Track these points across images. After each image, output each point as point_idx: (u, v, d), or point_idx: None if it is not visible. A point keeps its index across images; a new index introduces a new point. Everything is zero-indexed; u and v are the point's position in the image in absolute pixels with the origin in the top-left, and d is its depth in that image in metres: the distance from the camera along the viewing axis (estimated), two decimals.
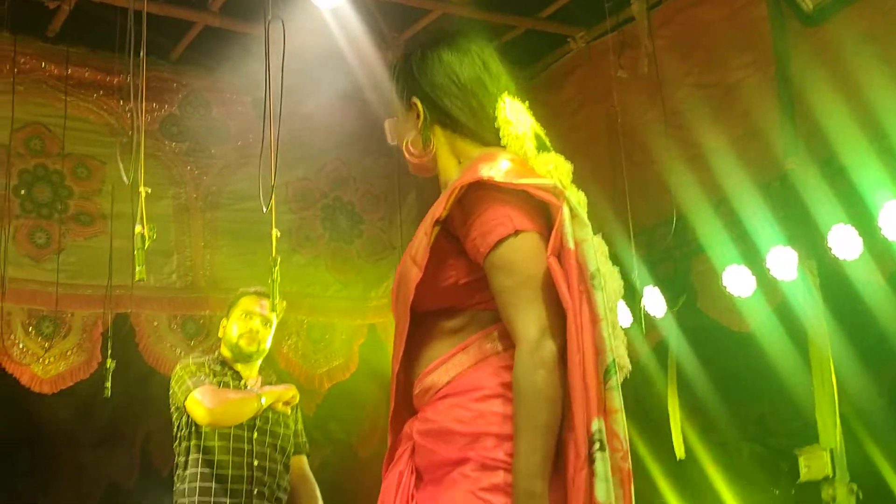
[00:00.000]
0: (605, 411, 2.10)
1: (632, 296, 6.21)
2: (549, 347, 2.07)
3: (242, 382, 4.33)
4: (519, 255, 2.13)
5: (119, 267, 6.26)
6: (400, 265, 2.30)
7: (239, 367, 4.40)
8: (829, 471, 5.81)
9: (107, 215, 6.54)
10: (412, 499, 2.19)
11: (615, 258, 6.54)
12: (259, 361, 4.47)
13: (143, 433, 8.86)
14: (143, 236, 3.66)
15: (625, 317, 6.36)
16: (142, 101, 4.37)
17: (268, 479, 4.24)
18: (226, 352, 4.42)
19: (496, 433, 2.09)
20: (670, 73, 6.20)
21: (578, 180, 6.85)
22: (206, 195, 6.98)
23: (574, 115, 6.93)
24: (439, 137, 2.36)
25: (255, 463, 4.21)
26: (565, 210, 2.16)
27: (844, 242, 5.35)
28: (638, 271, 5.99)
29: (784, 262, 5.55)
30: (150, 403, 7.83)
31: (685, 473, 6.98)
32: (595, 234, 2.27)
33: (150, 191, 3.93)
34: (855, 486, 5.82)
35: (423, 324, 2.28)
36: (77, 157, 6.62)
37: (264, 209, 4.20)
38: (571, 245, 2.14)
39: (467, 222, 2.18)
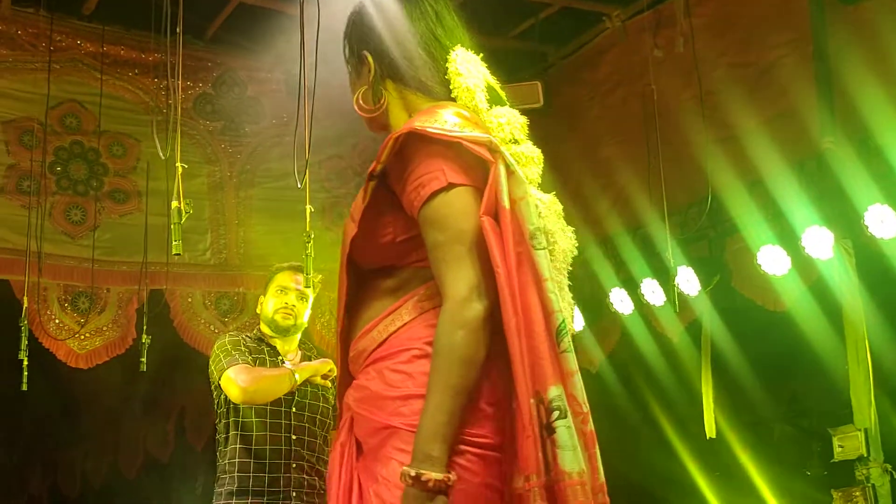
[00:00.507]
0: (565, 374, 2.03)
1: (665, 275, 6.20)
2: (476, 307, 2.00)
3: (280, 358, 4.35)
4: (451, 210, 2.06)
5: (154, 244, 6.32)
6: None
7: (277, 342, 4.41)
8: (863, 451, 5.79)
9: (142, 192, 6.59)
10: (354, 468, 2.14)
11: (649, 238, 6.52)
12: (297, 336, 4.49)
13: (178, 408, 8.95)
14: (179, 211, 3.68)
15: (657, 295, 6.35)
16: (178, 79, 4.39)
17: (306, 452, 4.25)
18: (264, 328, 4.44)
19: (424, 395, 2.00)
20: (706, 52, 6.16)
21: (612, 159, 6.82)
22: (241, 173, 7.02)
23: (609, 95, 6.91)
24: (391, 91, 2.29)
25: (293, 437, 4.23)
26: (500, 167, 2.07)
27: (881, 222, 5.31)
28: (672, 251, 5.97)
29: (820, 241, 5.51)
30: (184, 379, 7.91)
31: (714, 453, 6.96)
32: (549, 193, 2.22)
33: (186, 166, 3.94)
34: (889, 466, 5.80)
35: (365, 284, 2.23)
36: (112, 134, 6.67)
37: (298, 184, 4.21)
38: (507, 203, 2.05)
39: (403, 176, 2.11)
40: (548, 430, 1.98)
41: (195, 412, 8.60)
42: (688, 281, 6.12)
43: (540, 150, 2.29)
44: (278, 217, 6.86)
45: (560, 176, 7.09)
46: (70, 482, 10.41)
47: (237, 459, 4.20)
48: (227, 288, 6.83)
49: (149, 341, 5.96)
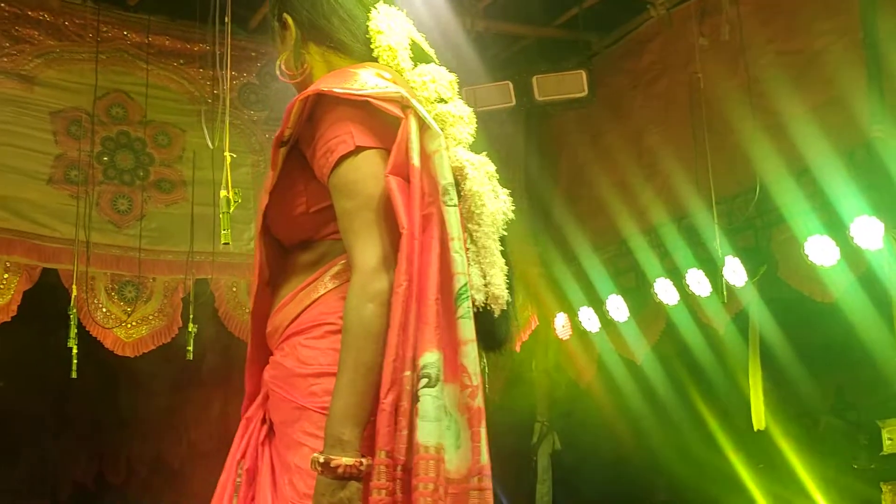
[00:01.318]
0: (457, 342, 1.91)
1: (711, 265, 6.15)
2: (386, 279, 1.90)
3: None
4: (359, 175, 1.96)
5: (199, 233, 6.37)
6: None
7: None
8: None
9: (187, 182, 6.63)
10: (260, 448, 2.06)
11: (694, 228, 6.43)
12: None
13: (222, 397, 8.99)
14: (228, 200, 3.68)
15: (703, 286, 6.30)
16: (227, 69, 4.40)
17: None
18: None
19: (335, 372, 1.90)
20: (753, 39, 6.09)
21: (657, 148, 6.72)
22: None
23: (654, 84, 6.86)
24: (314, 55, 2.21)
25: None
26: (412, 123, 1.98)
27: None
28: (719, 240, 5.92)
29: (869, 231, 5.43)
30: (228, 367, 7.94)
31: (759, 446, 6.90)
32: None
33: (235, 156, 3.94)
34: None
35: (286, 259, 2.15)
36: (158, 124, 6.71)
37: None
38: (417, 162, 1.95)
39: (313, 141, 2.03)
40: (414, 398, 1.86)
41: (239, 401, 8.64)
42: (734, 271, 6.06)
43: (471, 110, 2.20)
44: None
45: (604, 165, 7.12)
46: (115, 470, 10.49)
47: None
48: None
49: (195, 330, 6.01)
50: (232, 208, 3.71)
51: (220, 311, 6.70)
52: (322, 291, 2.03)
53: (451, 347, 1.92)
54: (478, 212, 2.11)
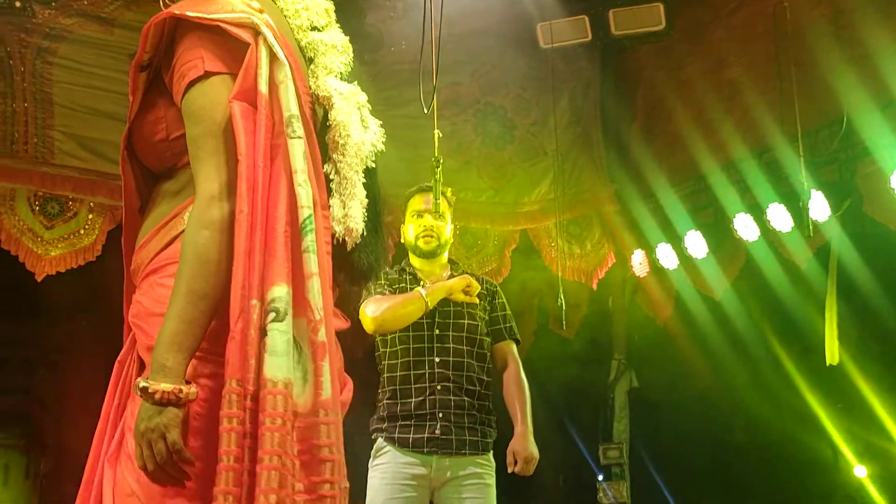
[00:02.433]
0: (302, 276, 1.90)
1: (792, 200, 6.05)
2: (224, 206, 1.88)
3: (422, 283, 4.37)
4: (206, 101, 1.95)
5: None
6: None
7: (424, 266, 4.45)
8: None
9: None
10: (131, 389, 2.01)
11: (775, 162, 6.31)
12: (445, 255, 4.51)
13: None
14: None
15: (784, 221, 6.19)
16: None
17: (452, 373, 4.25)
18: (411, 256, 4.50)
19: None
20: None
21: (737, 81, 6.57)
22: None
23: (733, 15, 6.69)
24: None
25: (437, 360, 4.25)
26: (262, 50, 1.97)
27: None
28: (804, 174, 5.81)
29: None
30: None
31: (839, 385, 6.82)
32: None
33: None
34: None
35: (156, 185, 2.13)
36: None
37: (425, 110, 4.21)
38: (264, 88, 1.94)
39: (171, 66, 2.01)
40: (262, 332, 1.85)
41: None
42: (817, 206, 5.95)
43: (348, 38, 2.22)
44: (399, 145, 6.84)
45: (683, 99, 7.00)
46: None
47: (387, 388, 4.30)
48: None
49: None
50: None
51: None
52: (180, 229, 1.99)
53: (298, 281, 1.91)
54: (342, 142, 2.11)
